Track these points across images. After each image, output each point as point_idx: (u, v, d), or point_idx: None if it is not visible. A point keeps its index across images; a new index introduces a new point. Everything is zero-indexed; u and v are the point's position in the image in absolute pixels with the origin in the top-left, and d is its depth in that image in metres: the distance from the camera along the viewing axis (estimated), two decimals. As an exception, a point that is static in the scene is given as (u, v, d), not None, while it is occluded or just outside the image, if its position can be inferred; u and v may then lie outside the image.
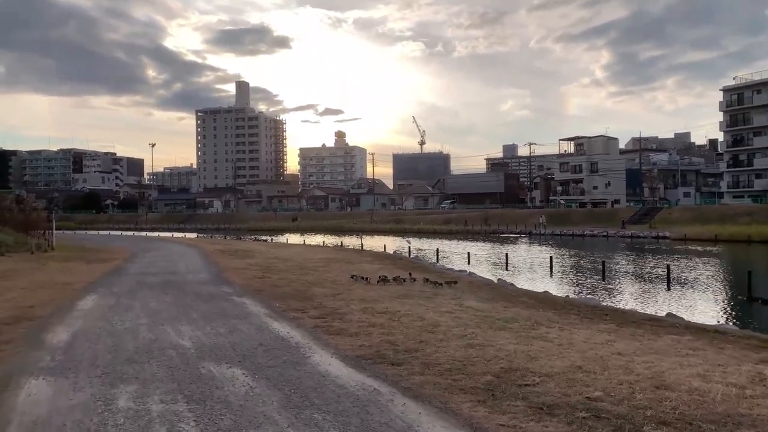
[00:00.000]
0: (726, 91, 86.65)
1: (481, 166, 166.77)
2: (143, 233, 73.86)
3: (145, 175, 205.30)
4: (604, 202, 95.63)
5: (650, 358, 7.05)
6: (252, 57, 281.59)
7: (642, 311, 12.59)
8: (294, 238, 58.20)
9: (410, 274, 16.14)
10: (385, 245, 37.79)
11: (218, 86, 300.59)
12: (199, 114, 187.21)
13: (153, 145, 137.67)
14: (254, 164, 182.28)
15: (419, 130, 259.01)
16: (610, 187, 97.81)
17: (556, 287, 21.04)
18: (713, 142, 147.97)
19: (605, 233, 63.88)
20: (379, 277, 15.40)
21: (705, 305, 17.85)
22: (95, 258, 24.23)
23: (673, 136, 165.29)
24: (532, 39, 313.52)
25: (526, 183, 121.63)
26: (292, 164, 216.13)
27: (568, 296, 14.35)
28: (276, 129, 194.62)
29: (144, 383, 6.03)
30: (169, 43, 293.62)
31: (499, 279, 18.08)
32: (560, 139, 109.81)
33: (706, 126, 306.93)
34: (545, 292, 14.97)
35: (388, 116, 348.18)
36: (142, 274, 17.38)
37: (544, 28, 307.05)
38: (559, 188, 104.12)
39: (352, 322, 9.28)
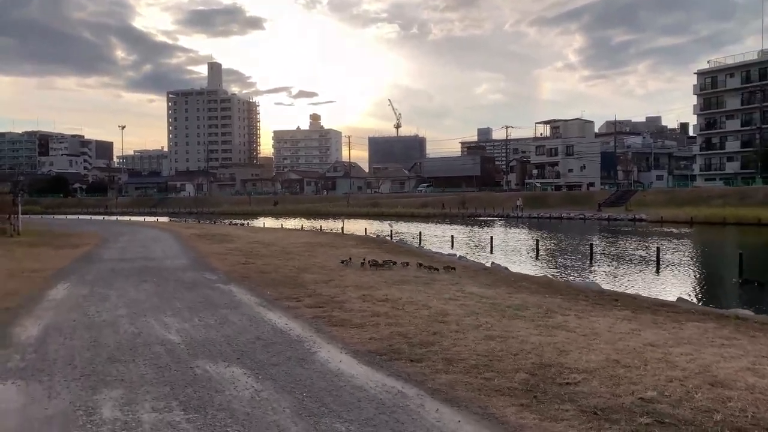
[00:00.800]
0: (700, 74, 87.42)
1: (456, 150, 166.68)
2: (114, 217, 71.92)
3: (115, 159, 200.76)
4: (579, 185, 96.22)
5: (687, 350, 6.49)
6: (224, 38, 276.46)
7: (646, 296, 12.11)
8: (270, 222, 57.13)
9: (406, 263, 15.45)
10: (365, 229, 37.07)
11: (190, 68, 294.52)
12: (170, 96, 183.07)
13: (123, 128, 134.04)
14: (227, 147, 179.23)
15: (395, 113, 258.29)
16: (585, 170, 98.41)
17: (547, 270, 20.59)
18: (684, 126, 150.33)
19: (582, 216, 64.07)
20: (370, 261, 14.68)
21: (701, 288, 17.56)
22: (65, 243, 23.04)
23: (644, 120, 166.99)
24: (506, 22, 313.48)
25: (502, 166, 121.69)
26: (266, 147, 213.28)
27: (568, 280, 13.85)
28: (249, 111, 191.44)
29: (131, 387, 5.24)
30: (138, 23, 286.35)
31: (492, 263, 17.51)
32: (536, 123, 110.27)
33: (677, 110, 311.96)
34: (544, 276, 14.43)
35: (363, 99, 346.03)
36: (117, 261, 16.39)
37: (518, 12, 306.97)
38: (535, 171, 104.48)
39: (354, 312, 8.56)
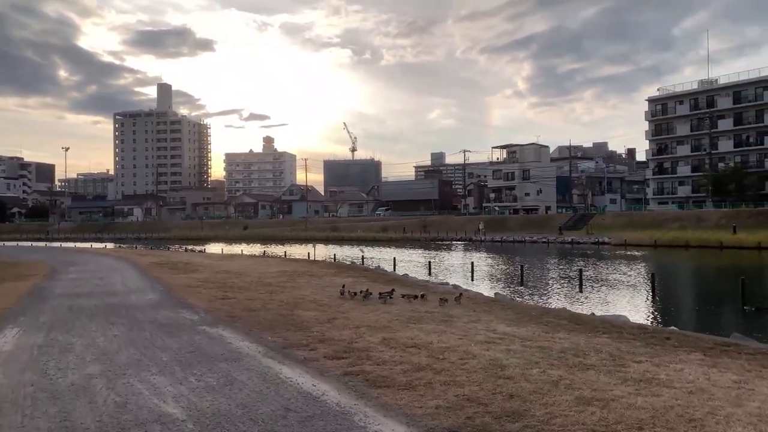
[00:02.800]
0: (651, 101, 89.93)
1: (409, 173, 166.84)
2: (57, 244, 67.64)
3: (57, 182, 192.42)
4: (536, 209, 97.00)
5: (834, 413, 5.18)
6: (173, 59, 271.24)
7: (685, 331, 10.92)
8: (226, 249, 54.55)
9: (404, 294, 13.93)
10: (334, 255, 35.36)
11: (137, 89, 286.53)
12: (117, 117, 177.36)
13: (66, 149, 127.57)
14: (177, 170, 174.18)
15: (350, 136, 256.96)
16: (542, 194, 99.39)
17: (542, 299, 19.42)
18: (631, 151, 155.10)
19: (545, 239, 63.99)
20: (362, 292, 13.21)
21: (719, 319, 16.59)
22: (6, 275, 20.51)
23: (591, 145, 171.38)
24: (458, 49, 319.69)
25: (459, 190, 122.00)
26: (217, 170, 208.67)
27: (593, 313, 12.61)
28: (200, 134, 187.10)
29: None
30: (84, 42, 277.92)
31: (496, 293, 16.15)
32: (493, 147, 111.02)
33: (621, 136, 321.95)
34: (563, 309, 13.13)
35: (316, 123, 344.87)
36: (73, 296, 14.24)
37: (469, 39, 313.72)
38: (492, 195, 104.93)
39: (389, 364, 6.97)
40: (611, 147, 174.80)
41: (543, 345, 8.25)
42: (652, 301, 19.70)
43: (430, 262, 30.83)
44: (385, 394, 5.79)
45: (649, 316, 16.39)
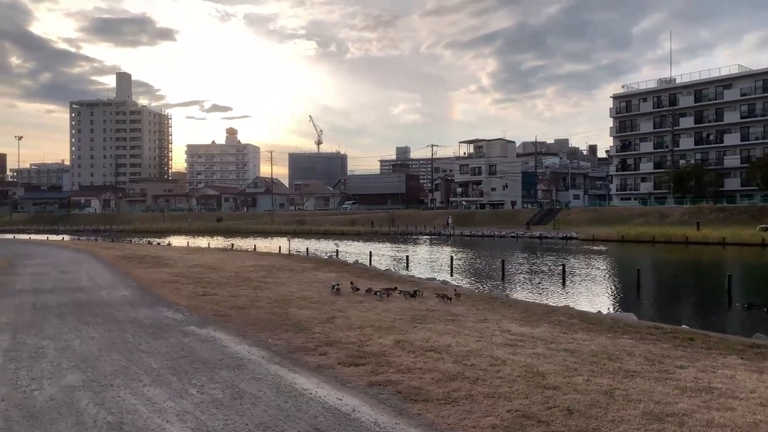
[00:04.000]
0: (615, 98, 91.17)
1: (374, 167, 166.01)
2: (9, 236, 64.60)
3: (9, 172, 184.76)
4: (502, 204, 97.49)
5: None
6: (132, 48, 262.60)
7: (705, 332, 10.49)
8: (194, 242, 52.91)
9: (393, 288, 13.20)
10: (307, 248, 34.37)
11: (94, 78, 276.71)
12: (74, 106, 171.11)
13: (20, 138, 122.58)
14: (136, 161, 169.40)
15: (316, 129, 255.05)
16: (508, 189, 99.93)
17: (529, 294, 18.95)
18: (593, 148, 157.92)
19: (514, 234, 64.14)
20: (354, 287, 12.49)
21: (714, 316, 16.33)
22: (-41, 269, 18.99)
23: (553, 142, 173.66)
24: (423, 44, 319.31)
25: (426, 185, 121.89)
26: (178, 162, 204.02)
27: (600, 312, 12.10)
28: (161, 124, 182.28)
29: None
30: (37, 28, 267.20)
31: (489, 289, 15.55)
32: (460, 142, 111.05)
33: (582, 133, 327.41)
34: (565, 306, 12.60)
35: (280, 116, 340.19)
36: (36, 292, 13.05)
37: (435, 34, 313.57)
38: (459, 190, 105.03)
39: (415, 372, 6.23)
40: (572, 143, 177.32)
41: (569, 348, 7.64)
42: (638, 297, 19.47)
43: (407, 256, 30.16)
44: (426, 409, 5.04)
45: (644, 313, 16.04)
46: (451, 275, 25.45)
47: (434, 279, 17.90)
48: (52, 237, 60.66)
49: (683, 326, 10.74)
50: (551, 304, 14.07)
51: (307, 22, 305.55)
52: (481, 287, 19.38)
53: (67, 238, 61.51)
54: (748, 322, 14.10)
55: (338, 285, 13.07)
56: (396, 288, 12.78)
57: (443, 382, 5.83)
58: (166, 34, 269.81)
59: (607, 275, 25.80)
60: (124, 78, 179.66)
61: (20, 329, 8.79)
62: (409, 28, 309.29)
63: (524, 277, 25.37)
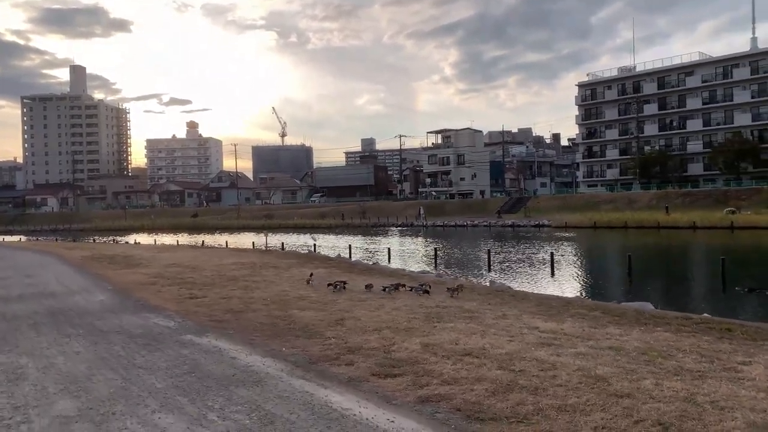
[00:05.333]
0: (581, 86, 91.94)
1: (340, 159, 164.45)
2: (-38, 238, 61.47)
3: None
4: (470, 193, 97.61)
5: None
6: (85, 40, 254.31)
7: (734, 320, 10.04)
8: (161, 239, 51.19)
9: (395, 285, 12.47)
10: (282, 243, 33.33)
11: (46, 71, 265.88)
12: (25, 101, 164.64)
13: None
14: (94, 157, 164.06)
15: (280, 121, 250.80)
16: (476, 178, 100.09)
17: (523, 284, 18.45)
18: (556, 136, 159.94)
19: (486, 223, 64.11)
20: (366, 286, 11.76)
21: (721, 302, 16.01)
22: None
23: (517, 131, 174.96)
24: (385, 34, 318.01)
25: (394, 176, 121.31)
26: (137, 158, 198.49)
27: (619, 302, 11.57)
28: (118, 119, 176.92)
29: None
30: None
31: (490, 281, 14.95)
32: (428, 132, 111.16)
33: (544, 122, 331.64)
34: (577, 297, 12.06)
35: (241, 108, 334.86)
36: (2, 300, 11.86)
37: (396, 24, 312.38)
38: (428, 180, 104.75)
39: (463, 383, 5.49)
40: (535, 132, 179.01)
41: (612, 345, 7.03)
42: (630, 284, 19.19)
43: (389, 249, 29.44)
44: (500, 431, 4.32)
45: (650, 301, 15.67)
46: (436, 267, 24.85)
47: (427, 272, 17.24)
48: (8, 238, 58.03)
49: (705, 315, 10.28)
50: (554, 293, 13.51)
51: (266, 13, 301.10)
52: (473, 279, 18.81)
53: (24, 239, 58.92)
54: (759, 308, 13.84)
55: (345, 283, 12.25)
56: (403, 284, 12.01)
57: (501, 394, 5.11)
58: (121, 25, 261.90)
59: (591, 262, 25.59)
60: (78, 71, 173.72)
61: (-9, 345, 7.75)
62: (370, 18, 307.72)
63: (509, 266, 24.95)
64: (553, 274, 21.37)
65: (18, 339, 8.05)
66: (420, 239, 46.37)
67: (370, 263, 20.88)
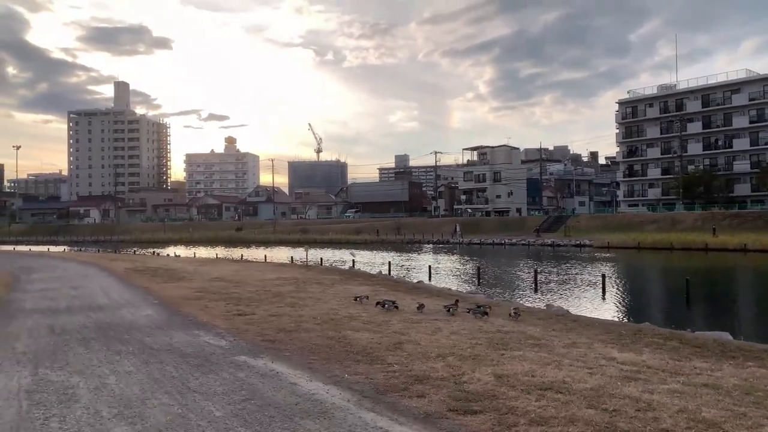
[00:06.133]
0: (621, 104, 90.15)
1: (373, 175, 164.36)
2: (9, 247, 63.08)
3: (6, 183, 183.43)
4: (507, 211, 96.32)
5: None
6: (129, 57, 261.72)
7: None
8: (201, 252, 51.56)
9: (448, 306, 11.93)
10: (321, 259, 33.05)
11: (91, 87, 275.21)
12: (72, 116, 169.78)
13: (18, 148, 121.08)
14: (135, 171, 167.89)
15: (316, 137, 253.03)
16: (513, 196, 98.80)
17: (574, 308, 17.66)
18: (594, 155, 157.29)
19: (525, 242, 62.88)
20: (418, 306, 11.27)
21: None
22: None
23: (553, 149, 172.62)
24: (420, 52, 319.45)
25: (428, 192, 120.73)
26: (176, 172, 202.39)
27: (690, 330, 10.79)
28: (159, 133, 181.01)
29: None
30: (33, 38, 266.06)
31: (547, 304, 14.27)
32: (464, 149, 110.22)
33: (580, 140, 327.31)
34: (647, 325, 11.30)
35: (277, 124, 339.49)
36: (50, 312, 11.71)
37: (431, 42, 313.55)
38: (463, 197, 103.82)
39: (556, 424, 4.93)
40: (572, 150, 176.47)
41: (706, 382, 6.36)
42: (688, 308, 18.22)
43: (430, 266, 28.86)
44: (613, 485, 3.75)
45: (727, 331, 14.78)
46: (478, 284, 24.16)
47: (475, 292, 16.62)
48: (53, 248, 59.26)
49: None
50: (611, 318, 12.76)
51: (304, 31, 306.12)
52: (519, 300, 18.10)
53: (67, 249, 60.13)
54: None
55: (394, 302, 11.78)
56: (457, 301, 11.49)
57: (603, 440, 4.54)
58: (163, 43, 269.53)
59: (641, 285, 24.54)
60: (121, 87, 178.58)
61: (41, 361, 7.48)
62: (406, 37, 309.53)
63: (555, 287, 24.08)
64: (604, 297, 20.48)
65: (68, 355, 7.77)
66: (457, 257, 45.61)
67: (415, 281, 20.33)
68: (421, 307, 11.77)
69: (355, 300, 12.71)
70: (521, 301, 17.33)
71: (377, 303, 12.08)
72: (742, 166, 76.56)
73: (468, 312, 10.95)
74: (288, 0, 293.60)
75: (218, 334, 9.15)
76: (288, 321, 10.21)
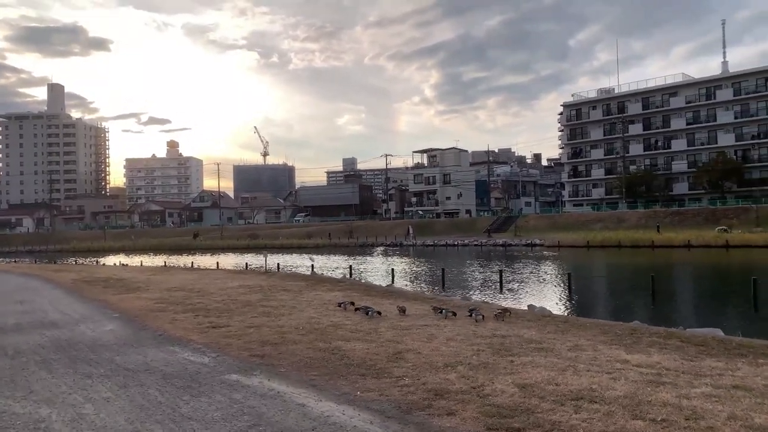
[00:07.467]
0: (566, 106, 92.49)
1: (321, 179, 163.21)
2: (-66, 260, 58.89)
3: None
4: (457, 212, 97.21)
5: None
6: (63, 59, 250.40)
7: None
8: (147, 260, 49.47)
9: (443, 308, 11.47)
10: (278, 264, 32.07)
11: (22, 90, 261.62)
12: (1, 119, 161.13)
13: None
14: (71, 177, 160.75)
15: (262, 141, 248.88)
16: (462, 197, 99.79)
17: (543, 305, 17.53)
18: (538, 156, 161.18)
19: (477, 242, 63.37)
20: (399, 309, 10.81)
21: (753, 322, 15.27)
22: None
23: (497, 151, 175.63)
24: (366, 56, 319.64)
25: (379, 195, 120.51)
26: (116, 178, 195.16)
27: (682, 327, 10.65)
28: (97, 138, 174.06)
29: None
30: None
31: (529, 305, 13.98)
32: (413, 151, 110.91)
33: (524, 143, 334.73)
34: (639, 323, 11.11)
35: (221, 128, 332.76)
36: (-2, 331, 10.57)
37: (378, 46, 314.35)
38: (414, 199, 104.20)
39: (606, 437, 4.50)
40: (516, 153, 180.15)
41: (737, 384, 6.09)
42: (653, 304, 18.39)
43: (393, 269, 28.39)
44: None
45: (689, 324, 14.85)
46: (443, 288, 23.85)
47: (448, 295, 16.23)
48: (-16, 260, 55.70)
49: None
50: (588, 318, 12.58)
51: (248, 33, 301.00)
52: (489, 300, 17.84)
53: (0, 260, 56.64)
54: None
55: (377, 310, 11.20)
56: (454, 312, 11.02)
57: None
58: (100, 44, 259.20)
59: (601, 283, 24.82)
60: (56, 89, 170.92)
61: (2, 387, 6.54)
62: (352, 40, 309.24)
63: (519, 287, 24.04)
64: (570, 296, 20.51)
65: (30, 381, 6.85)
66: (413, 259, 45.38)
67: (384, 285, 19.79)
68: (402, 311, 11.29)
69: (339, 306, 12.11)
70: (490, 302, 17.06)
71: (357, 309, 11.53)
72: (680, 166, 79.69)
73: (469, 315, 10.50)
74: (232, 1, 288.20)
75: (197, 350, 8.35)
76: (269, 332, 9.49)
